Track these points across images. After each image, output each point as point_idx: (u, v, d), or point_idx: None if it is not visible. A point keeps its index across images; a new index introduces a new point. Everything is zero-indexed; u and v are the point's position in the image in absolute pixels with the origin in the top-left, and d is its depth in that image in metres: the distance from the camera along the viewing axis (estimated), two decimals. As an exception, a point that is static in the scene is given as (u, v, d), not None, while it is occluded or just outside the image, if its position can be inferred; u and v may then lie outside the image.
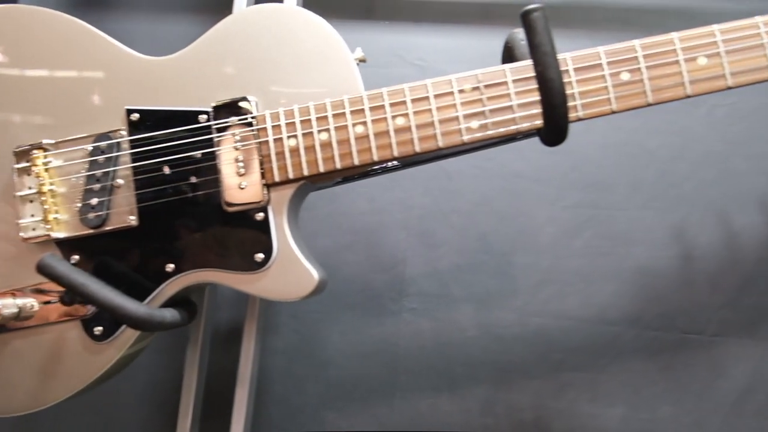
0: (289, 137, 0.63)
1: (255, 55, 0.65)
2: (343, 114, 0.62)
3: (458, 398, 0.92)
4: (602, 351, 0.91)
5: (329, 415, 0.94)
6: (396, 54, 0.99)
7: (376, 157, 0.62)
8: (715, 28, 0.60)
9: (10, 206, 0.66)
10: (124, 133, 0.65)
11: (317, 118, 0.62)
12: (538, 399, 0.91)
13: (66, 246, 0.65)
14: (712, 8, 0.97)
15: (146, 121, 0.65)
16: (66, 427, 0.98)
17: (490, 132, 0.61)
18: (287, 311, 0.95)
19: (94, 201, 0.65)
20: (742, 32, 0.60)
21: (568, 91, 0.60)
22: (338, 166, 0.62)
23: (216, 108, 0.64)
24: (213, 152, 0.63)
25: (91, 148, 0.65)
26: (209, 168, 0.63)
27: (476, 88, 0.61)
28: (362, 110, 0.62)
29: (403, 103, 0.62)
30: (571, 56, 0.60)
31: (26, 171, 0.65)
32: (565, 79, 0.60)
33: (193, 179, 0.64)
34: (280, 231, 0.63)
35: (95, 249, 0.65)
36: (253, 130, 0.63)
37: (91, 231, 0.64)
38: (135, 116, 0.65)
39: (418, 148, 0.61)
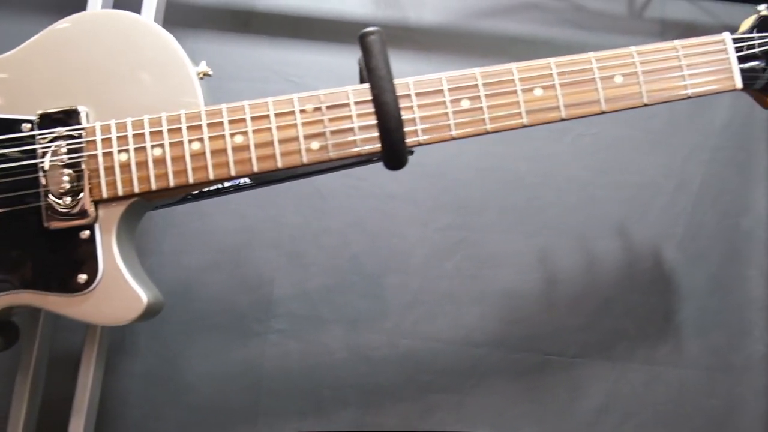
0: (119, 151, 0.59)
1: (88, 63, 0.61)
2: (179, 129, 0.59)
3: (324, 422, 0.90)
4: (468, 373, 0.92)
5: (189, 442, 0.89)
6: (272, 69, 0.97)
7: (212, 176, 0.59)
8: (551, 60, 0.62)
9: None
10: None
11: (151, 133, 0.59)
12: (405, 421, 0.90)
13: None
14: (581, 41, 1.02)
15: (-39, 128, 0.60)
16: None
17: (331, 153, 0.60)
18: (147, 332, 0.90)
19: None
20: (576, 66, 0.62)
21: (409, 116, 0.60)
22: (172, 184, 0.59)
23: (42, 117, 0.60)
24: (35, 164, 0.59)
25: None
26: (31, 181, 0.59)
27: (318, 109, 0.60)
28: (199, 126, 0.59)
29: (243, 120, 0.60)
30: (414, 81, 0.61)
31: None
32: (407, 104, 0.60)
33: (12, 193, 0.59)
34: (108, 251, 0.59)
35: None
36: (81, 143, 0.59)
37: None
38: (-52, 122, 0.60)
39: (256, 168, 0.59)
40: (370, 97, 0.60)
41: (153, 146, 0.59)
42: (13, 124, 0.60)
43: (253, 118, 0.60)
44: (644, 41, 0.64)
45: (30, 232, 0.59)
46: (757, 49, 0.64)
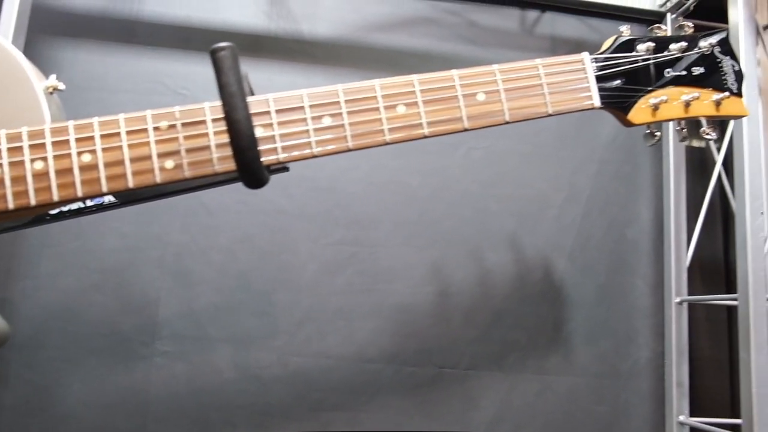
0: (-48, 171, 0.55)
1: None
2: (21, 148, 0.56)
3: (213, 446, 0.87)
4: (362, 389, 0.91)
5: (66, 475, 0.84)
6: (158, 81, 0.94)
7: (56, 197, 0.56)
8: (414, 78, 0.62)
9: None
10: None
11: (-11, 151, 0.55)
12: (298, 441, 0.89)
13: None
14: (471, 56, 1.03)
15: None
16: None
17: (186, 173, 0.57)
18: (18, 361, 0.85)
19: None
20: (439, 84, 0.62)
21: (268, 133, 0.58)
22: (11, 206, 0.55)
23: None
24: None
25: None
26: None
27: (173, 126, 0.58)
28: (43, 144, 0.56)
29: (92, 138, 0.57)
30: (274, 97, 0.59)
31: None
32: (266, 121, 0.58)
33: None
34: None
35: None
36: None
37: None
38: None
39: (105, 188, 0.56)
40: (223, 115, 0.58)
41: (-10, 166, 0.55)
42: None
43: (103, 136, 0.57)
44: (535, 56, 0.64)
45: None
46: (615, 69, 0.67)
